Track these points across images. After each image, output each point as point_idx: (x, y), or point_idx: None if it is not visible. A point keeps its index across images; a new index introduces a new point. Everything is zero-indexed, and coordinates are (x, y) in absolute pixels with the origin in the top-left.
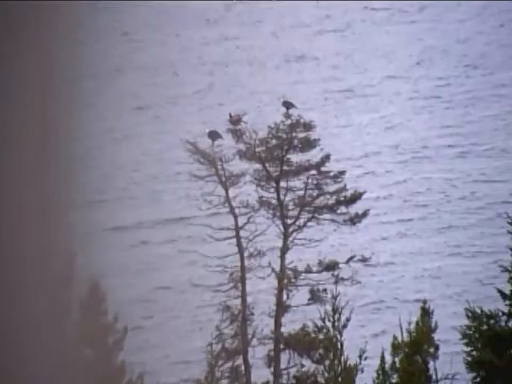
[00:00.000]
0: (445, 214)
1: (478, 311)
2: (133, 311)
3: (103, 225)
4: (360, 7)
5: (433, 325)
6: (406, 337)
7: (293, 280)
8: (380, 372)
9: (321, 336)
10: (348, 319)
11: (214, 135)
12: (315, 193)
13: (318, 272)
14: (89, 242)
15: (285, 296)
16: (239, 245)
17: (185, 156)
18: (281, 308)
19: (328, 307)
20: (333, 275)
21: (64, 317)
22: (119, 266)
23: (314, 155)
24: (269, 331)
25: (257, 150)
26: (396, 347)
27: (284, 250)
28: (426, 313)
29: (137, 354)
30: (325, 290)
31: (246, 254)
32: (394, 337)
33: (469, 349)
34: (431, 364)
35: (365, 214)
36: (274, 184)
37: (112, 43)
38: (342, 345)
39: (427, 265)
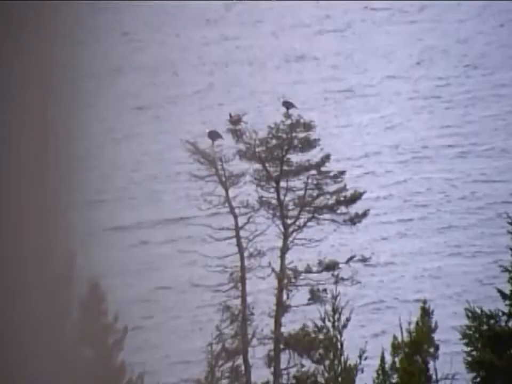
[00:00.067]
0: (445, 214)
1: (478, 311)
2: (133, 311)
3: (103, 225)
4: (360, 7)
5: (433, 325)
6: (406, 337)
7: (293, 280)
8: (380, 372)
9: (321, 336)
10: (348, 319)
11: (214, 135)
12: (315, 193)
13: (318, 272)
14: (89, 242)
15: (285, 296)
16: (239, 245)
17: (185, 156)
18: (281, 308)
19: (328, 307)
20: (333, 275)
21: (64, 317)
22: (119, 266)
23: (314, 155)
24: (269, 331)
25: (257, 150)
26: (395, 347)
27: (284, 250)
28: (426, 313)
29: (137, 354)
30: (325, 290)
31: (246, 254)
32: (394, 337)
33: (469, 349)
34: (431, 364)
35: (365, 214)
36: (274, 184)
37: (112, 43)
38: (342, 345)
39: (427, 265)
